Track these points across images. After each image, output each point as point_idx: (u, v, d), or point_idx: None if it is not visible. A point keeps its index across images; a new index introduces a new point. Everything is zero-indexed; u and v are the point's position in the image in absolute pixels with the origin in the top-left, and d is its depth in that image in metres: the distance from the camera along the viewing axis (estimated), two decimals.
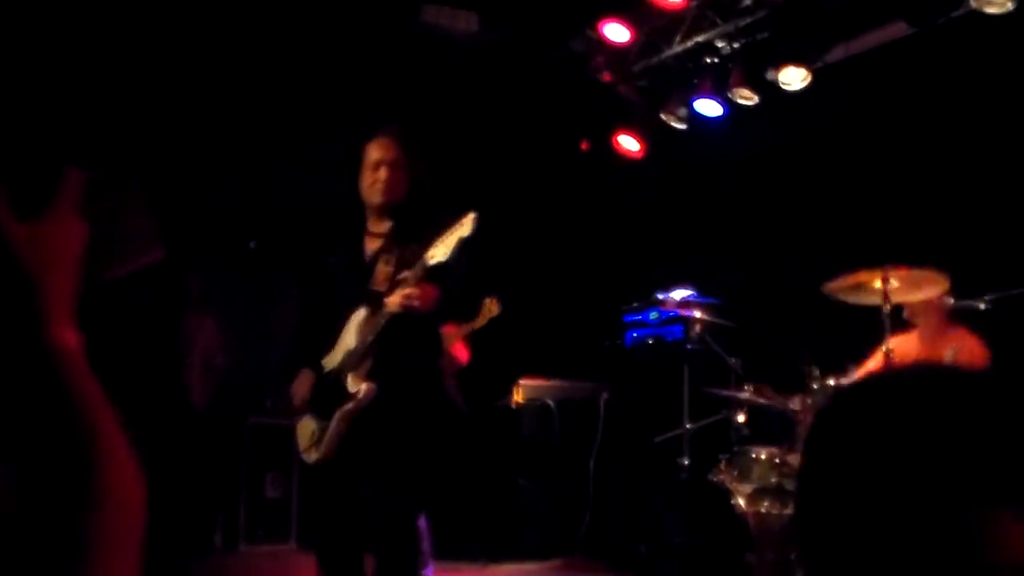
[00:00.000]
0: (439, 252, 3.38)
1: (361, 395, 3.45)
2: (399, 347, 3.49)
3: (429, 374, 3.66)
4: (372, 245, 3.66)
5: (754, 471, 4.67)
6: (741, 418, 4.83)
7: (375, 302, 3.50)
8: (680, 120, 6.72)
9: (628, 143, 7.22)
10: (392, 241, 3.61)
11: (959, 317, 4.39)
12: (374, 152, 3.60)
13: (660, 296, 6.06)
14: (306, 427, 3.63)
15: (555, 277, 7.62)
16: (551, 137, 7.58)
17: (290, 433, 3.81)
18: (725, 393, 4.91)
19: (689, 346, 5.37)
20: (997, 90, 5.38)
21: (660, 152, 7.20)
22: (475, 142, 7.39)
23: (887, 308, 3.97)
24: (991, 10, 5.10)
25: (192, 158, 6.55)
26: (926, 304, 4.23)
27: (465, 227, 3.38)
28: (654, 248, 7.41)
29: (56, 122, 5.14)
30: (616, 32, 6.72)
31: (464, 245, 3.38)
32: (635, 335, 6.72)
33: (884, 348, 4.10)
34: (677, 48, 6.66)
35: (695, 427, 5.16)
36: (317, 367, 3.61)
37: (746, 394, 4.80)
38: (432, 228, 3.45)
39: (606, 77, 7.05)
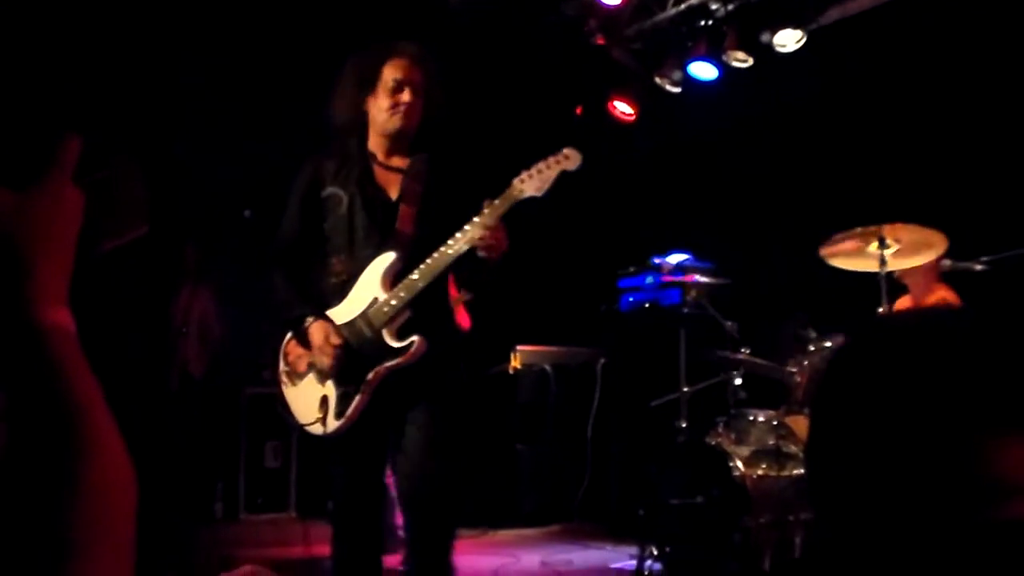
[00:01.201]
0: (530, 186, 2.99)
1: (414, 349, 2.94)
2: (440, 299, 3.10)
3: (458, 332, 3.29)
4: (385, 178, 3.18)
5: (752, 434, 4.70)
6: (738, 381, 4.86)
7: (410, 246, 3.04)
8: (674, 83, 6.68)
9: (622, 107, 7.19)
10: (415, 177, 3.17)
11: (950, 278, 4.45)
12: (395, 72, 3.15)
13: (656, 260, 6.06)
14: (311, 392, 3.06)
15: (551, 242, 7.60)
16: (545, 101, 7.53)
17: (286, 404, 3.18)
18: (721, 353, 4.93)
19: (685, 310, 5.36)
20: (993, 51, 5.35)
21: (654, 115, 7.16)
22: (467, 107, 7.33)
23: (884, 272, 3.97)
24: None
25: (187, 125, 6.50)
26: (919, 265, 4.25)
27: (570, 161, 2.99)
28: (650, 212, 7.40)
29: (48, 89, 5.09)
30: None
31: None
32: (631, 300, 6.72)
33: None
34: (671, 11, 6.62)
35: (692, 391, 5.18)
36: (324, 318, 3.06)
37: (743, 357, 4.83)
38: (459, 167, 3.12)
39: (599, 40, 7.00)
